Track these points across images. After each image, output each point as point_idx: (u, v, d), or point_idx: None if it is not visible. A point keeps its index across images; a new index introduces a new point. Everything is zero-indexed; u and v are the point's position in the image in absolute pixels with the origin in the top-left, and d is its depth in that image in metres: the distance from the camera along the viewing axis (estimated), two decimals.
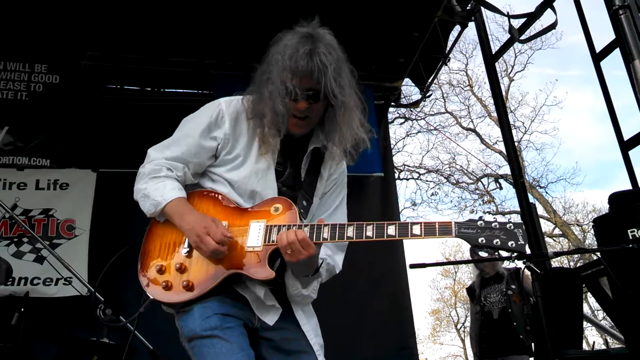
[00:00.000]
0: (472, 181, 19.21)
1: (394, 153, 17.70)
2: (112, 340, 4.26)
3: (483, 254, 1.95)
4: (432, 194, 18.72)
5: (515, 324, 5.07)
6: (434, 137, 18.43)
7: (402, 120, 17.59)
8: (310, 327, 2.16)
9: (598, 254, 3.79)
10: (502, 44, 6.13)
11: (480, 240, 1.81)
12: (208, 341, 1.90)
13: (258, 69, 2.12)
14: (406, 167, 18.90)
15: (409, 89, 11.04)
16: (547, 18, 5.42)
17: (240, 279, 1.99)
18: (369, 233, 1.86)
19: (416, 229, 1.83)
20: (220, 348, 1.88)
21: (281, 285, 2.07)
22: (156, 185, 2.06)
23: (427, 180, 18.95)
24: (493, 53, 6.10)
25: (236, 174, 2.10)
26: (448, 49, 6.52)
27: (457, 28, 6.39)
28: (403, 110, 15.56)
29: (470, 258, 5.96)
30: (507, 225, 1.82)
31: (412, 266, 4.49)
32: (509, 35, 5.74)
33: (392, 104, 7.28)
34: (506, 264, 5.56)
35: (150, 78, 6.12)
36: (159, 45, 5.89)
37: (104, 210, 5.49)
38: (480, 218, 1.84)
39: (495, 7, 5.70)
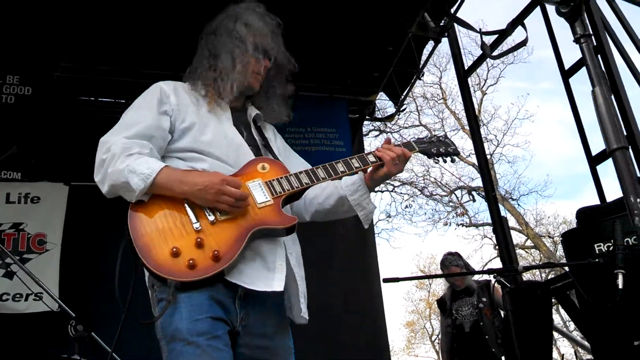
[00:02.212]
0: (445, 193, 19.45)
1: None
2: (83, 358, 4.23)
3: (435, 161, 2.32)
4: (407, 207, 18.89)
5: (487, 337, 5.14)
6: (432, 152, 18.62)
7: (377, 132, 17.76)
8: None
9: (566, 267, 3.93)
10: (475, 58, 6.30)
11: (433, 150, 2.29)
12: (192, 350, 1.79)
13: (206, 41, 2.27)
14: None
15: (384, 103, 11.19)
16: (518, 34, 5.59)
17: (254, 242, 1.96)
18: (356, 164, 2.15)
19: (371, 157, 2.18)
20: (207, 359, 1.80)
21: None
22: (137, 161, 1.94)
23: (401, 193, 19.13)
24: (466, 68, 6.25)
25: (207, 143, 2.09)
26: (422, 63, 6.68)
27: (431, 43, 6.55)
28: (378, 123, 15.72)
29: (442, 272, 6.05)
30: (440, 138, 2.37)
31: (386, 280, 4.55)
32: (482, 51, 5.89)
33: (367, 117, 7.39)
34: (477, 277, 5.66)
35: (124, 90, 6.12)
36: (134, 58, 5.92)
37: (76, 224, 5.46)
38: (424, 137, 2.35)
39: (468, 24, 5.85)
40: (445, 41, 6.40)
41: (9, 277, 5.03)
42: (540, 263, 14.87)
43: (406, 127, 18.95)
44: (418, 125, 19.15)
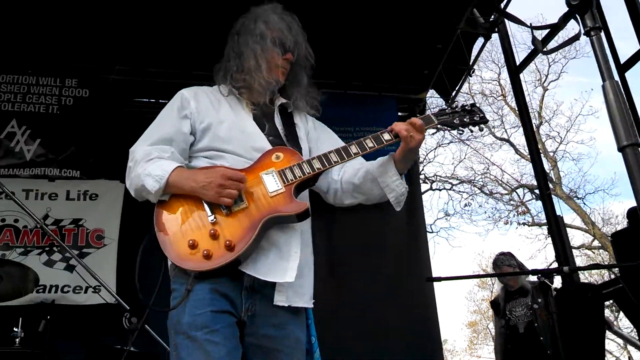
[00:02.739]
0: (506, 192, 19.12)
1: (425, 164, 17.79)
2: (137, 349, 4.45)
3: (459, 132, 2.25)
4: (465, 205, 18.67)
5: (541, 338, 5.04)
6: (467, 147, 18.42)
7: (434, 130, 17.63)
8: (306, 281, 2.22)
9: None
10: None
11: (455, 121, 2.26)
12: (189, 343, 1.94)
13: (240, 38, 2.38)
14: (438, 177, 18.91)
15: (436, 101, 11.15)
16: (571, 29, 5.52)
17: (267, 230, 2.05)
18: (370, 144, 2.18)
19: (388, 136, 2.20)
20: (203, 353, 1.90)
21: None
22: (153, 165, 2.11)
23: (460, 191, 18.93)
24: (518, 64, 6.20)
25: (224, 139, 2.21)
26: (472, 60, 6.64)
27: (481, 39, 6.52)
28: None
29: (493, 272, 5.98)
30: (467, 107, 2.30)
31: (429, 279, 4.59)
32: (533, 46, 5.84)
33: (417, 115, 7.39)
34: (530, 278, 5.58)
35: (175, 91, 6.36)
36: (185, 59, 6.15)
37: (132, 220, 5.72)
38: (446, 107, 2.31)
39: (518, 19, 5.80)
40: (496, 36, 6.37)
41: (69, 271, 5.32)
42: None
43: None
44: None
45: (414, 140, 2.14)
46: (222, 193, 2.01)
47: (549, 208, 5.80)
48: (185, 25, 5.68)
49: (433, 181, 18.58)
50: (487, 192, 18.82)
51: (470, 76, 6.88)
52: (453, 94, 7.06)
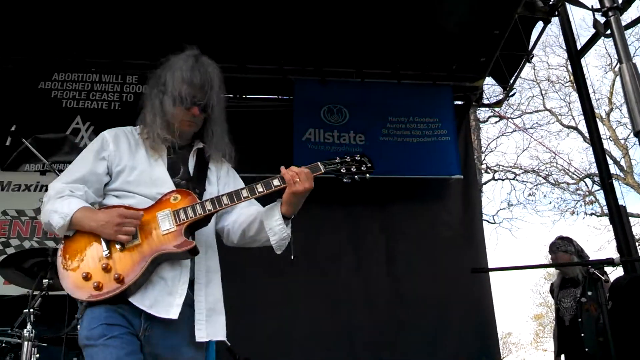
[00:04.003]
0: (574, 181, 18.76)
1: (486, 153, 17.66)
2: None
3: (346, 180, 2.47)
4: (529, 195, 18.43)
5: (582, 335, 4.97)
6: (531, 137, 18.17)
7: (497, 119, 17.49)
8: (206, 300, 2.39)
9: None
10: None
11: (342, 170, 2.48)
12: (90, 351, 2.17)
13: (147, 88, 2.62)
14: (501, 167, 18.73)
15: (494, 89, 11.10)
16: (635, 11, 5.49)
17: (158, 266, 2.27)
18: (260, 189, 2.38)
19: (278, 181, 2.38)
20: (105, 354, 2.12)
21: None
22: (62, 202, 2.34)
23: (523, 181, 18.69)
24: (579, 49, 6.21)
25: (132, 182, 2.44)
26: (531, 46, 6.65)
27: (541, 24, 6.51)
28: (497, 109, 15.52)
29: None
30: (356, 157, 2.55)
31: (474, 270, 4.63)
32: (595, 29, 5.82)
33: (474, 103, 7.45)
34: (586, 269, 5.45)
35: (231, 85, 6.65)
36: (240, 53, 6.37)
37: None
38: (336, 157, 2.53)
39: (579, 1, 5.79)
40: (557, 21, 6.36)
41: None
42: None
43: (529, 112, 18.52)
44: (542, 110, 18.64)
45: (299, 187, 2.34)
46: (120, 230, 2.24)
47: (610, 197, 5.78)
48: (238, 16, 5.89)
49: (495, 171, 18.40)
50: (553, 181, 18.51)
51: (530, 62, 6.86)
52: (511, 80, 7.07)
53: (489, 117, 16.91)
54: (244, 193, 2.39)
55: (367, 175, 2.50)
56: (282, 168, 2.40)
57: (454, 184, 6.65)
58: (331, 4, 5.77)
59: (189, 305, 2.33)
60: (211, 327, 2.37)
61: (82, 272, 2.24)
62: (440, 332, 6.18)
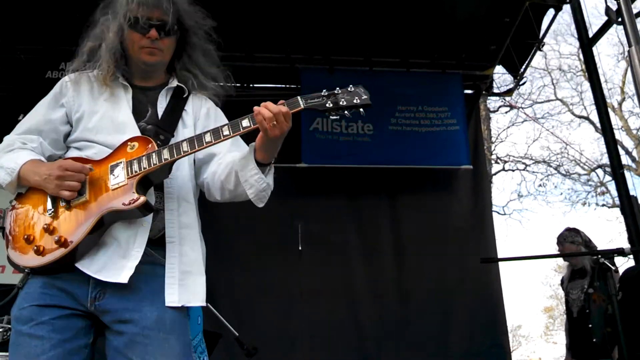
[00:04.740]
0: (585, 172, 18.70)
1: (497, 143, 17.61)
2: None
3: (334, 117, 2.07)
4: (540, 185, 18.40)
5: (590, 325, 4.99)
6: (542, 126, 18.11)
7: (508, 108, 17.42)
8: (182, 261, 2.09)
9: None
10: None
11: (327, 104, 2.03)
12: (14, 338, 1.93)
13: (97, 16, 2.27)
14: (511, 157, 18.69)
15: (504, 77, 11.03)
16: None
17: (111, 225, 2.00)
18: (225, 131, 2.01)
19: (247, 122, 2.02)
20: (28, 348, 1.88)
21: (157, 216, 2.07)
22: (10, 156, 2.10)
23: (534, 172, 18.64)
24: (590, 37, 6.16)
25: (92, 129, 2.15)
26: (542, 33, 6.62)
27: (552, 11, 6.48)
28: (508, 98, 15.47)
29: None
30: (349, 88, 2.07)
31: (484, 260, 4.64)
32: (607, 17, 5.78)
33: (484, 92, 7.43)
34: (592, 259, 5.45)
35: (239, 74, 6.66)
36: (247, 42, 6.35)
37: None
38: (323, 91, 2.07)
39: None
40: (568, 8, 6.32)
41: None
42: None
43: (540, 102, 18.44)
44: (553, 100, 18.55)
45: (274, 131, 1.97)
46: (62, 185, 1.98)
47: (621, 187, 5.76)
48: (245, 4, 5.90)
49: (505, 161, 18.35)
50: (564, 172, 18.45)
51: (541, 51, 6.81)
52: (522, 69, 7.05)
53: (500, 106, 16.87)
54: (207, 137, 2.02)
55: (362, 110, 2.06)
56: (256, 108, 1.99)
57: (463, 174, 6.65)
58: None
59: (161, 265, 2.05)
60: (185, 291, 2.05)
61: (25, 234, 2.01)
62: (450, 324, 6.20)
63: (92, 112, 2.19)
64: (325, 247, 6.24)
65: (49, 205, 2.04)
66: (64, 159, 2.13)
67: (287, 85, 6.99)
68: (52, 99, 2.26)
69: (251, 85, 6.87)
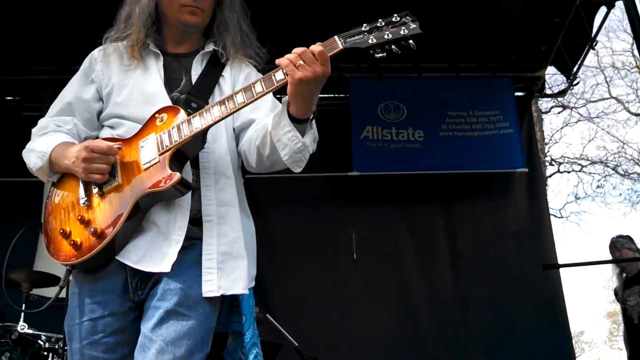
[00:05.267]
0: None
1: (550, 145, 17.23)
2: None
3: (380, 55, 1.77)
4: (598, 187, 17.88)
5: None
6: (597, 126, 17.62)
7: (560, 109, 17.02)
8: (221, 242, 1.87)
9: None
10: None
11: (370, 41, 1.76)
12: (71, 358, 1.83)
13: None
14: (566, 159, 18.24)
15: (556, 77, 10.81)
16: None
17: (150, 209, 1.83)
18: (259, 88, 1.77)
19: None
20: None
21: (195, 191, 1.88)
22: (42, 139, 1.97)
23: (591, 173, 18.14)
24: None
25: (121, 104, 1.99)
26: (594, 32, 6.44)
27: (604, 9, 6.31)
28: (560, 99, 15.13)
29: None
30: (393, 17, 1.78)
31: (546, 267, 4.53)
32: None
33: (536, 94, 7.29)
34: None
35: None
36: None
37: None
38: (364, 25, 1.80)
39: None
40: (620, 5, 6.16)
41: None
42: None
43: (594, 101, 17.95)
44: (608, 98, 18.02)
45: (305, 73, 1.71)
46: (90, 169, 1.81)
47: None
48: (296, 15, 5.92)
49: (560, 163, 17.92)
50: (622, 172, 17.88)
51: (593, 49, 6.65)
52: (575, 69, 6.88)
53: (552, 107, 16.51)
54: (239, 98, 1.79)
55: (412, 42, 1.75)
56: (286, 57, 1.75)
57: (518, 177, 6.53)
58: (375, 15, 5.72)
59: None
60: (226, 276, 1.84)
61: (60, 228, 1.85)
62: (510, 331, 6.08)
63: (121, 85, 2.03)
64: (379, 255, 6.23)
65: (82, 192, 1.87)
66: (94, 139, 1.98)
67: (336, 95, 6.99)
68: (82, 76, 2.12)
69: None
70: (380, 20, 1.79)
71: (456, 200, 6.54)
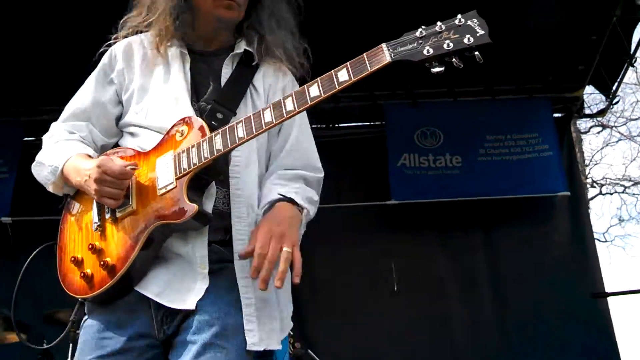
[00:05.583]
0: None
1: (591, 166, 16.86)
2: None
3: (437, 70, 1.45)
4: None
5: None
6: (638, 145, 17.19)
7: (600, 128, 16.68)
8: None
9: None
10: None
11: (426, 52, 1.43)
12: None
13: None
14: (608, 180, 17.79)
15: (595, 97, 10.59)
16: None
17: (167, 239, 1.64)
18: (290, 107, 1.52)
19: (342, 75, 1.48)
20: None
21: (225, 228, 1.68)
22: (53, 150, 1.77)
23: (634, 194, 17.64)
24: None
25: (142, 111, 1.78)
26: (633, 49, 6.30)
27: None
28: (599, 118, 14.84)
29: None
30: (456, 20, 1.44)
31: (595, 295, 4.34)
32: None
33: (575, 115, 7.14)
34: None
35: (322, 115, 6.69)
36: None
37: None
38: (419, 30, 1.48)
39: None
40: None
41: None
42: None
43: (634, 119, 17.53)
44: None
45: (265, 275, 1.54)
46: (102, 192, 1.59)
47: None
48: (328, 45, 5.96)
49: (602, 185, 17.49)
50: None
51: (632, 66, 6.49)
52: (614, 87, 6.73)
53: (591, 127, 16.16)
54: (267, 117, 1.52)
55: (477, 54, 1.42)
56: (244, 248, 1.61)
57: (560, 201, 6.38)
58: (416, 24, 5.69)
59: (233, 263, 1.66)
60: (263, 327, 1.63)
61: (72, 255, 1.66)
62: (556, 357, 5.87)
63: (142, 89, 1.81)
64: (420, 284, 6.13)
65: (95, 215, 1.67)
66: (115, 149, 1.80)
67: (372, 123, 6.96)
68: (100, 75, 1.89)
69: (336, 125, 6.90)
70: (439, 23, 1.47)
71: (497, 226, 6.40)
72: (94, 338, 1.61)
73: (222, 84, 1.80)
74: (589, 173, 16.96)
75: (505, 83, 6.64)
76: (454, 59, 1.43)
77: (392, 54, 1.45)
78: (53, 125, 1.88)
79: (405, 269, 6.06)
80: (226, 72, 1.84)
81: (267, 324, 1.65)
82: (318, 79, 1.53)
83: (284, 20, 1.91)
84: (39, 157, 1.80)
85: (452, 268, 6.30)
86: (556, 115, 6.84)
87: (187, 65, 1.83)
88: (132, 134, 1.80)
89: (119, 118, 1.87)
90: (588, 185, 16.46)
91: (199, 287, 1.60)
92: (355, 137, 6.75)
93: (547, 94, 6.70)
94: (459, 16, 1.44)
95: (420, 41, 1.45)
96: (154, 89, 1.80)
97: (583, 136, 16.37)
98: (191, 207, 1.52)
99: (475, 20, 1.42)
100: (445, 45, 1.41)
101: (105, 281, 1.58)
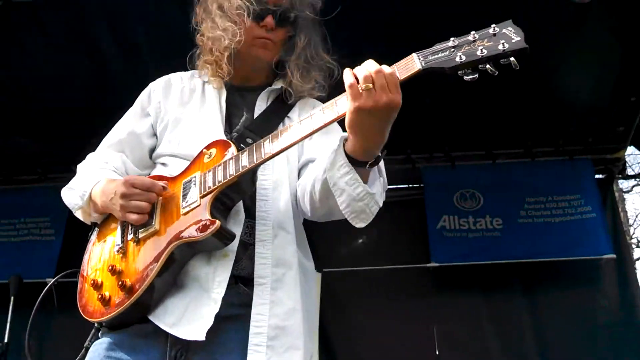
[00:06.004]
0: None
1: (635, 226, 16.40)
2: None
3: (471, 77, 1.37)
4: None
5: None
6: None
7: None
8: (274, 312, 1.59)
9: None
10: None
11: (458, 59, 1.37)
12: None
13: (200, 11, 1.94)
14: None
15: (636, 158, 10.40)
16: None
17: (190, 260, 1.60)
18: (324, 118, 1.50)
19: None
20: None
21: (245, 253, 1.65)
22: (84, 176, 1.81)
23: None
24: None
25: (175, 140, 1.81)
26: None
27: None
28: None
29: None
30: (490, 30, 1.38)
31: None
32: None
33: (618, 175, 7.04)
34: None
35: None
36: None
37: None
38: (452, 40, 1.42)
39: None
40: None
41: None
42: None
43: None
44: None
45: (366, 102, 1.37)
46: (128, 206, 1.60)
47: None
48: None
49: None
50: None
51: None
52: None
53: (633, 186, 15.82)
54: (297, 130, 1.54)
55: (513, 60, 1.34)
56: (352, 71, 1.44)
57: (606, 264, 6.20)
58: (454, 88, 5.73)
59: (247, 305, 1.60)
60: (276, 357, 1.54)
61: (92, 279, 1.64)
62: None
63: (177, 120, 1.86)
64: (462, 349, 5.99)
65: (118, 238, 1.67)
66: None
67: (410, 185, 6.95)
68: (137, 108, 1.97)
69: None
70: (473, 33, 1.40)
71: (541, 289, 6.24)
72: (100, 355, 1.57)
73: (255, 115, 1.85)
74: (633, 233, 16.53)
75: (544, 145, 6.61)
76: (488, 66, 1.37)
77: (423, 62, 1.40)
78: (89, 155, 1.95)
79: (447, 332, 5.91)
80: (260, 104, 1.89)
81: (280, 354, 1.56)
82: (345, 93, 1.48)
83: (318, 56, 1.93)
84: (71, 183, 1.84)
85: (495, 332, 6.13)
86: (598, 176, 6.76)
87: (224, 98, 1.89)
88: (164, 164, 1.84)
89: (152, 150, 1.92)
90: (633, 246, 16.01)
91: (208, 313, 1.54)
92: (394, 199, 6.74)
93: (588, 155, 6.65)
94: (493, 25, 1.39)
95: (452, 49, 1.39)
96: (188, 119, 1.85)
97: (625, 195, 16.05)
98: (214, 223, 1.50)
99: (510, 28, 1.37)
100: (478, 52, 1.36)
101: (122, 302, 1.54)
